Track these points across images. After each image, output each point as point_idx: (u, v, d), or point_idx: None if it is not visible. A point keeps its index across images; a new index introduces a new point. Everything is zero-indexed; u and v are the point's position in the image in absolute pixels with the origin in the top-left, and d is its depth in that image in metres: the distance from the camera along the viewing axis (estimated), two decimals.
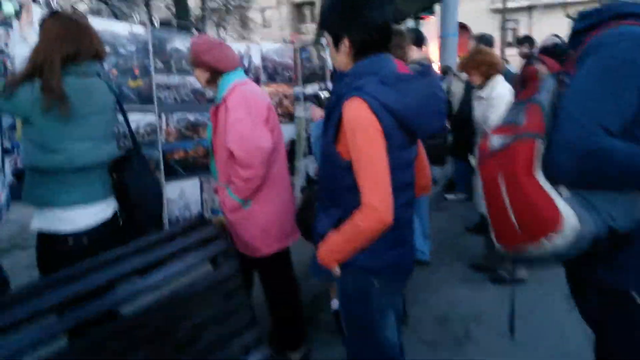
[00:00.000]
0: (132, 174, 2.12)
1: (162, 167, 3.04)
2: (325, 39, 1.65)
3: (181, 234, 2.16)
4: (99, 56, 1.96)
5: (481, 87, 3.62)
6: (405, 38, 3.34)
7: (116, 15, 13.91)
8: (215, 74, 2.39)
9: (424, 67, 1.56)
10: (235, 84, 2.36)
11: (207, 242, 2.20)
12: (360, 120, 1.44)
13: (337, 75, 1.63)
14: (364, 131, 1.44)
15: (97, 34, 1.98)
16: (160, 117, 3.03)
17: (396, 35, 3.35)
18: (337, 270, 1.63)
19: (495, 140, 1.36)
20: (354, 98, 1.46)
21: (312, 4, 29.78)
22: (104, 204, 2.05)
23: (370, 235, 1.50)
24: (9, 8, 2.19)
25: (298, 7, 31.91)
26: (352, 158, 1.50)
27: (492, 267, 3.85)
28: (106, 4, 14.13)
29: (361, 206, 1.48)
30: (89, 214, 1.98)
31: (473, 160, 3.80)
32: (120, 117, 2.16)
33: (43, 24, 1.88)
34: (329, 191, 1.64)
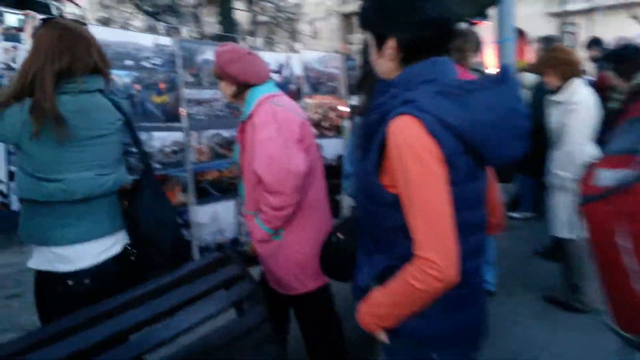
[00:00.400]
0: (142, 203, 1.83)
1: (191, 189, 2.76)
2: (367, 41, 1.28)
3: (200, 273, 1.84)
4: (99, 70, 1.69)
5: (557, 90, 3.14)
6: (468, 40, 2.92)
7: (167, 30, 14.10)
8: (241, 87, 2.08)
9: (502, 72, 1.16)
10: (264, 98, 2.04)
11: (230, 283, 1.87)
12: (412, 144, 1.07)
13: (379, 85, 1.25)
14: (416, 158, 1.07)
15: (97, 44, 1.70)
16: (189, 135, 2.76)
17: (459, 36, 2.92)
18: (382, 337, 1.25)
19: (607, 176, 0.95)
20: (402, 115, 1.09)
21: None
22: (112, 238, 1.77)
23: (428, 298, 1.11)
24: (11, 19, 1.98)
25: (347, 18, 31.71)
26: (400, 193, 1.12)
27: (569, 302, 3.32)
28: (156, 18, 14.38)
29: (414, 259, 1.10)
30: (93, 252, 1.70)
31: (547, 178, 3.29)
32: (131, 138, 1.87)
33: (35, 34, 1.63)
34: (371, 233, 1.27)
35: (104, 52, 1.73)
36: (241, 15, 16.92)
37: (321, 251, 1.70)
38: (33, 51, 1.57)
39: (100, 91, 1.70)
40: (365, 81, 2.40)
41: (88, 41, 1.65)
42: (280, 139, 1.94)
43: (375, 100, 1.22)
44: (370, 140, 1.17)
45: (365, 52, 1.87)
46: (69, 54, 1.58)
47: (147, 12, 14.37)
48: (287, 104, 2.14)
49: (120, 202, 1.84)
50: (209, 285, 1.82)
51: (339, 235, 1.56)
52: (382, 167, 1.15)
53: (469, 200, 1.16)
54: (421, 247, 1.08)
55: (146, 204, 1.83)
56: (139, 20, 15.86)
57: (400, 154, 1.08)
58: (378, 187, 1.16)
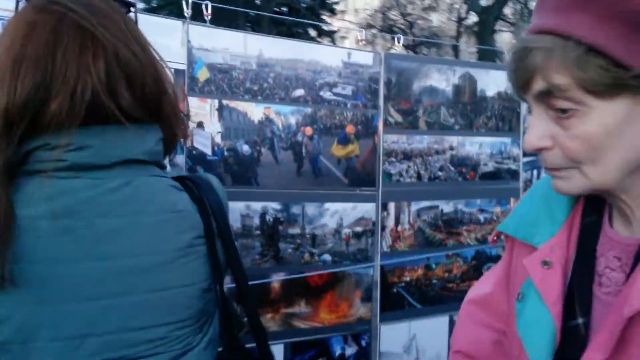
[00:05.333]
0: None
1: (377, 295, 1.70)
2: None
3: None
4: (135, 113, 0.73)
5: None
6: None
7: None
8: None
9: None
10: None
11: None
12: None
13: None
14: None
15: (152, 63, 0.76)
16: (385, 207, 1.71)
17: None
18: None
19: None
20: None
21: None
22: None
23: None
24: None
25: None
26: None
27: None
28: (414, 51, 13.74)
29: None
30: None
31: None
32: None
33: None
34: None
35: (162, 71, 0.78)
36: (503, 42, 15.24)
37: None
38: None
39: (149, 163, 0.76)
40: None
41: (102, 43, 0.72)
42: None
43: None
44: None
45: None
46: (38, 68, 0.68)
47: (406, 46, 14.04)
48: None
49: None
50: None
51: None
52: None
53: None
54: None
55: None
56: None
57: None
58: None
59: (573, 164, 0.52)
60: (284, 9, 11.76)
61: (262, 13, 8.04)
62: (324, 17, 13.92)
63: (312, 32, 13.02)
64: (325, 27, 13.44)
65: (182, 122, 0.83)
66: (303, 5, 11.93)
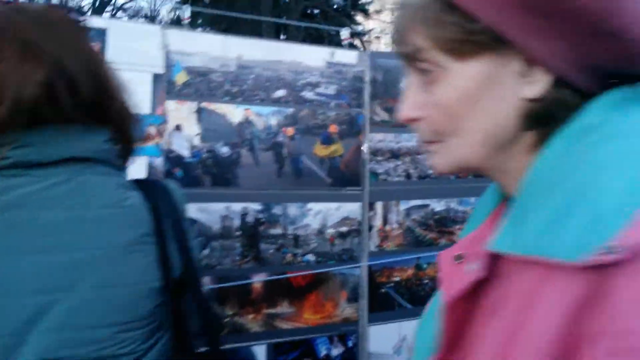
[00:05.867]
0: None
1: (364, 295, 1.69)
2: None
3: None
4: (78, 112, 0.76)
5: None
6: None
7: None
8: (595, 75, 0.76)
9: None
10: None
11: None
12: None
13: None
14: None
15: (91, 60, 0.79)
16: (372, 206, 1.70)
17: None
18: None
19: None
20: None
21: None
22: None
23: None
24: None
25: None
26: None
27: None
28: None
29: None
30: None
31: None
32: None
33: None
34: None
35: (109, 77, 0.81)
36: None
37: None
38: None
39: (98, 162, 0.79)
40: None
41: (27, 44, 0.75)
42: None
43: None
44: None
45: None
46: None
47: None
48: None
49: None
50: None
51: None
52: None
53: None
54: None
55: None
56: None
57: None
58: None
59: (438, 136, 0.46)
60: (315, 11, 11.76)
61: (283, 21, 8.07)
62: (357, 17, 13.82)
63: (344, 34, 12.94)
64: (356, 29, 13.34)
65: (136, 126, 0.85)
66: (334, 6, 11.89)
